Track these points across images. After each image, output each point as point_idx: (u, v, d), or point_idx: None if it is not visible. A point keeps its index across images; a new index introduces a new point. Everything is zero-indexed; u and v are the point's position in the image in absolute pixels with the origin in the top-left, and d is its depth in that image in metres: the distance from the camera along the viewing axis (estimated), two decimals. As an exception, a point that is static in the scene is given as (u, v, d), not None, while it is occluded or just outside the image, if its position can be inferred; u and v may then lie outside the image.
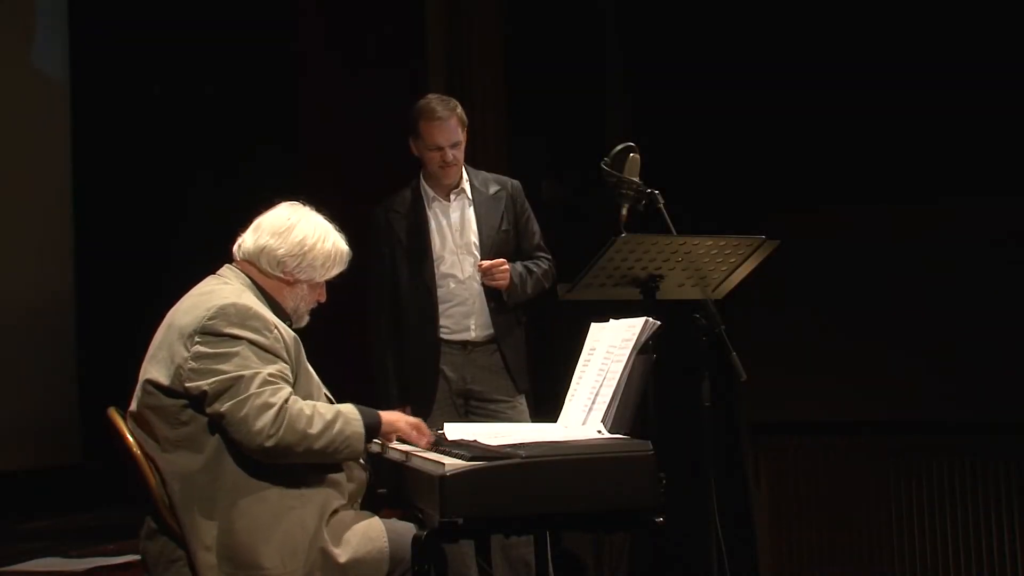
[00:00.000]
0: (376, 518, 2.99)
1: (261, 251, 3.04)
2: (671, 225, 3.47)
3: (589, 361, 3.30)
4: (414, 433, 3.07)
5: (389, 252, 4.36)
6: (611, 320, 3.30)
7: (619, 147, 3.60)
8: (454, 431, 3.25)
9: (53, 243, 6.76)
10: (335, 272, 3.11)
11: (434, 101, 4.35)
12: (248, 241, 3.07)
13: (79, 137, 6.83)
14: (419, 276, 4.31)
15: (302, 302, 3.10)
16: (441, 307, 4.32)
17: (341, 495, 2.95)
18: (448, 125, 4.28)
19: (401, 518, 3.08)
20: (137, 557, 3.11)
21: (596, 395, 3.15)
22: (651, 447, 2.85)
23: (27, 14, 6.77)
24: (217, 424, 2.83)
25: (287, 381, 2.88)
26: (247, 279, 3.04)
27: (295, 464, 2.87)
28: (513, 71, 5.92)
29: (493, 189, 4.43)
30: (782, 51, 5.46)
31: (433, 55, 5.99)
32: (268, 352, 2.87)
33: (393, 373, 4.35)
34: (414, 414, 4.21)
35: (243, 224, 3.12)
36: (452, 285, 4.33)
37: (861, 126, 5.35)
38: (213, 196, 6.43)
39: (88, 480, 6.24)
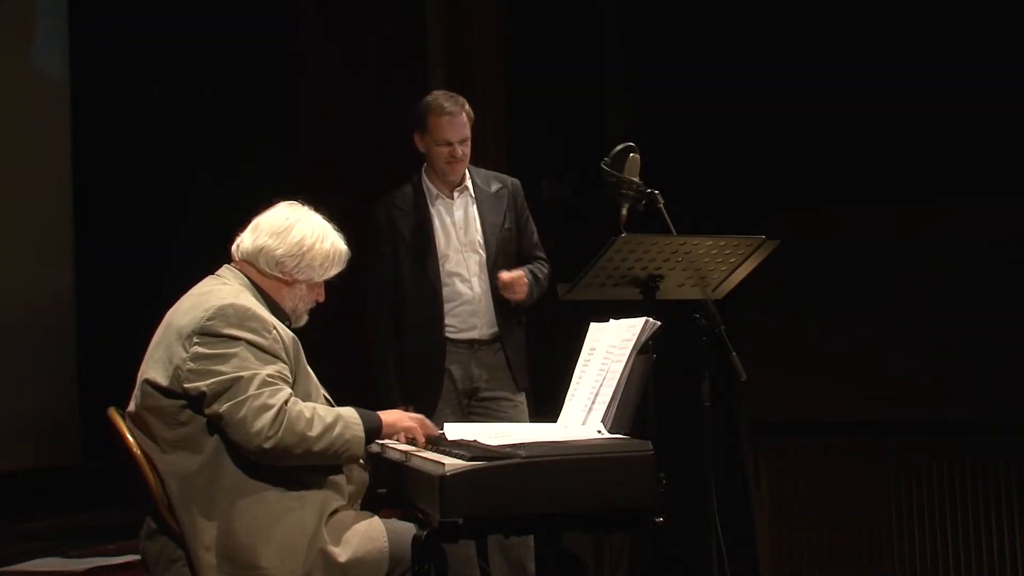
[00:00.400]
0: (376, 518, 2.98)
1: (260, 251, 3.04)
2: (671, 225, 3.47)
3: (589, 361, 3.30)
4: (418, 428, 3.07)
5: (391, 250, 4.35)
6: (611, 320, 3.30)
7: (619, 147, 3.60)
8: (454, 431, 3.25)
9: (53, 243, 6.76)
10: (334, 272, 3.11)
11: (442, 97, 4.35)
12: (247, 241, 3.07)
13: (79, 137, 6.83)
14: (424, 274, 4.30)
15: (301, 302, 3.09)
16: (447, 306, 4.31)
17: (341, 496, 2.95)
18: (458, 120, 4.28)
19: (401, 518, 3.08)
20: (137, 557, 3.11)
21: (596, 395, 3.15)
22: (651, 447, 2.85)
23: (27, 14, 6.77)
24: (216, 425, 2.83)
25: (286, 382, 2.88)
26: (245, 279, 3.04)
27: (294, 465, 2.87)
28: (513, 71, 5.92)
29: (495, 187, 4.43)
30: (782, 51, 5.47)
31: (433, 55, 5.99)
32: (267, 353, 2.87)
33: (394, 372, 4.34)
34: (418, 412, 4.22)
35: (243, 224, 3.12)
36: (458, 284, 4.32)
37: (861, 126, 5.35)
38: (213, 196, 6.43)
39: (88, 480, 6.24)
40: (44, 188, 6.75)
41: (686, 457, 3.35)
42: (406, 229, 4.33)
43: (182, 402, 2.85)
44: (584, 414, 3.17)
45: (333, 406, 3.05)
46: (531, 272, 4.37)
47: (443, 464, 2.75)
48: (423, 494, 2.83)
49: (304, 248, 3.04)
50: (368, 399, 3.21)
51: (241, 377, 2.81)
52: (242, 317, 2.87)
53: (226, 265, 3.09)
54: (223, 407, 2.80)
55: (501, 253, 4.35)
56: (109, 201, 6.78)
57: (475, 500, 2.70)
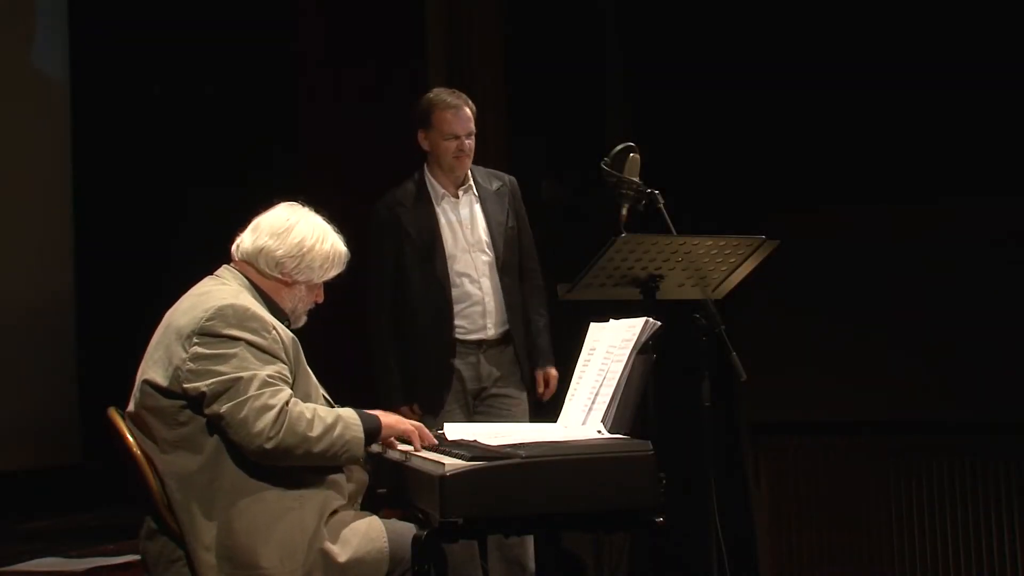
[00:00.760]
0: (376, 518, 2.98)
1: (259, 252, 3.04)
2: (671, 225, 3.47)
3: (589, 361, 3.30)
4: (416, 433, 3.07)
5: (394, 248, 4.31)
6: (611, 320, 3.30)
7: (619, 147, 3.60)
8: (454, 431, 3.25)
9: (53, 243, 6.76)
10: (333, 273, 3.10)
11: (445, 92, 4.35)
12: (247, 242, 3.06)
13: (79, 137, 6.82)
14: (432, 274, 4.27)
15: (300, 303, 3.09)
16: (457, 307, 4.29)
17: (341, 495, 2.95)
18: (463, 113, 4.28)
19: (401, 518, 3.08)
20: (137, 557, 3.11)
21: (596, 395, 3.15)
22: (651, 447, 2.85)
23: (27, 14, 6.77)
24: (216, 425, 2.83)
25: (286, 382, 2.88)
26: (245, 280, 3.04)
27: (294, 465, 2.87)
28: (513, 71, 5.92)
29: (495, 184, 4.42)
30: (782, 51, 5.46)
31: (433, 55, 5.99)
32: (266, 353, 2.87)
33: (396, 373, 4.32)
34: (424, 413, 4.21)
35: (242, 224, 3.11)
36: (467, 284, 4.30)
37: (861, 126, 5.35)
38: (213, 196, 6.42)
39: (88, 480, 6.24)
40: (44, 188, 6.75)
41: (686, 457, 3.35)
42: (411, 227, 4.30)
43: (182, 402, 2.85)
44: (584, 414, 3.17)
45: (333, 406, 3.05)
46: (538, 323, 4.38)
47: (443, 464, 2.75)
48: (423, 494, 2.83)
49: (304, 249, 3.03)
50: (368, 399, 3.20)
51: (241, 377, 2.81)
52: (242, 317, 2.87)
53: (225, 265, 3.09)
54: (223, 408, 2.80)
55: (507, 252, 4.34)
56: (109, 201, 6.77)
57: (475, 500, 2.70)
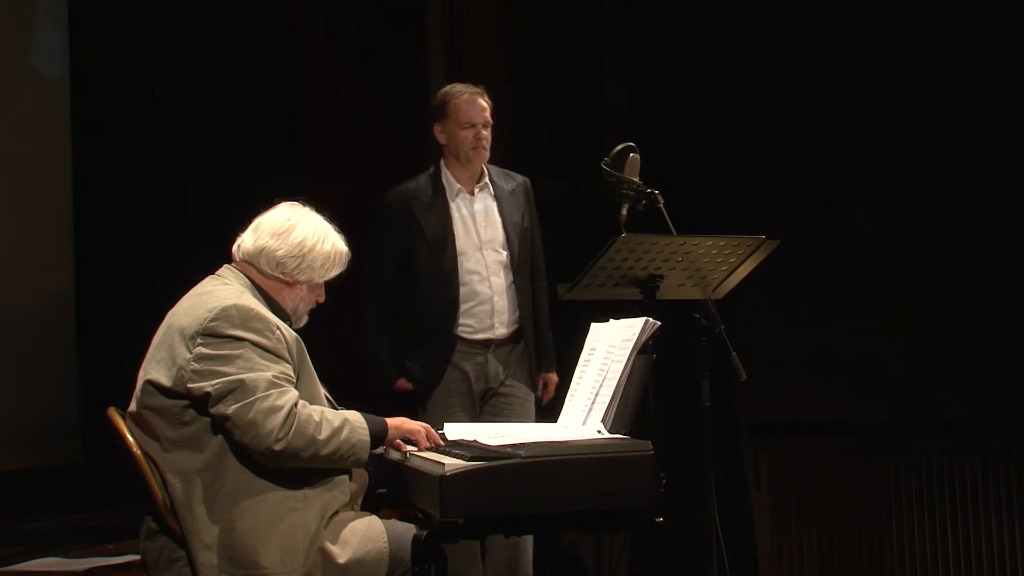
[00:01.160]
0: (376, 518, 2.99)
1: (260, 252, 3.04)
2: (671, 225, 3.47)
3: (589, 361, 3.30)
4: (423, 434, 3.06)
5: (403, 240, 4.28)
6: (611, 320, 3.30)
7: (619, 147, 3.60)
8: (454, 431, 3.25)
9: (53, 243, 6.76)
10: (334, 273, 3.10)
11: (460, 84, 4.36)
12: (248, 242, 3.06)
13: (79, 137, 6.83)
14: (440, 270, 4.24)
15: (301, 303, 3.09)
16: (465, 305, 4.26)
17: (344, 496, 2.95)
18: (480, 103, 4.27)
19: (401, 518, 3.08)
20: (137, 557, 3.11)
21: (596, 395, 3.15)
22: (651, 447, 2.85)
23: (27, 14, 6.77)
24: (221, 426, 2.83)
25: (290, 382, 2.88)
26: (246, 279, 3.04)
27: (298, 467, 2.87)
28: (513, 71, 5.92)
29: (511, 185, 4.40)
30: (781, 51, 5.46)
31: (433, 55, 5.99)
32: (271, 353, 2.87)
33: (388, 352, 4.30)
34: (417, 398, 4.21)
35: (243, 224, 3.11)
36: (476, 282, 4.28)
37: (861, 126, 5.34)
38: (213, 196, 6.42)
39: (88, 480, 6.24)
40: (44, 188, 6.75)
41: (686, 457, 3.35)
42: (424, 221, 4.27)
43: (185, 402, 2.85)
44: (584, 414, 3.18)
45: (335, 406, 3.05)
46: (547, 334, 4.40)
47: (443, 464, 2.75)
48: (423, 494, 2.83)
49: (305, 249, 3.03)
50: (367, 399, 3.20)
51: (247, 378, 2.81)
52: (245, 318, 2.87)
53: (226, 265, 3.09)
54: (230, 408, 2.79)
55: (521, 251, 4.32)
56: (109, 201, 6.77)
57: (475, 500, 2.70)
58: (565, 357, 4.23)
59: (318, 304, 3.14)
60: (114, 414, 2.96)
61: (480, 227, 4.31)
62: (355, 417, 2.93)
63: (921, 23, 5.27)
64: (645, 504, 2.83)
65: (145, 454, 2.89)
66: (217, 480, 2.84)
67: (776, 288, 4.77)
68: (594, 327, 3.39)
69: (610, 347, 3.19)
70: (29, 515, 5.70)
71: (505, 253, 4.32)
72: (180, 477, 2.85)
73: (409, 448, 3.04)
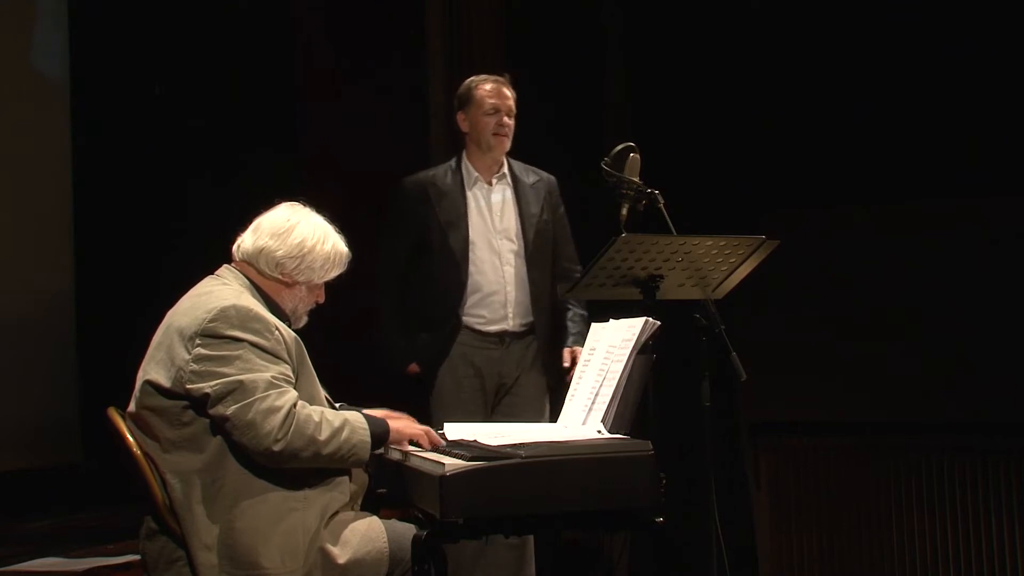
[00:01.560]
0: (376, 518, 2.98)
1: (260, 252, 3.03)
2: (671, 225, 3.47)
3: (589, 361, 3.30)
4: (425, 437, 3.06)
5: (418, 224, 4.27)
6: (611, 320, 3.30)
7: (619, 147, 3.60)
8: (454, 431, 3.25)
9: (53, 243, 6.76)
10: (334, 274, 3.10)
11: (485, 75, 4.36)
12: (247, 242, 3.06)
13: (79, 137, 6.83)
14: (451, 257, 4.23)
15: (300, 303, 3.09)
16: (477, 295, 4.25)
17: (344, 497, 2.95)
18: (504, 91, 4.28)
19: (401, 518, 3.08)
20: (137, 557, 3.11)
21: (596, 395, 3.15)
22: (651, 447, 2.85)
23: (27, 14, 6.77)
24: (220, 426, 2.83)
25: (289, 383, 2.88)
26: (245, 280, 3.03)
27: (298, 467, 2.87)
28: (513, 71, 5.92)
29: (532, 179, 4.38)
30: (781, 51, 5.46)
31: (433, 55, 5.99)
32: (270, 354, 2.87)
33: (400, 344, 4.29)
34: (424, 381, 4.20)
35: (243, 224, 3.11)
36: (488, 271, 4.26)
37: (861, 126, 5.35)
38: (213, 196, 6.43)
39: (88, 480, 6.24)
40: (44, 188, 6.75)
41: (686, 457, 3.35)
42: (439, 207, 4.26)
43: (184, 403, 2.85)
44: (584, 414, 3.18)
45: (334, 406, 3.05)
46: (581, 322, 4.30)
47: (443, 464, 2.75)
48: (423, 494, 2.83)
49: (305, 250, 3.03)
50: (367, 399, 3.20)
51: (246, 379, 2.80)
52: (244, 318, 2.87)
53: (226, 265, 3.08)
54: (230, 409, 2.79)
55: (537, 244, 4.29)
56: (109, 201, 6.78)
57: (475, 500, 2.70)
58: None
59: (318, 304, 3.14)
60: (114, 414, 2.96)
61: (495, 216, 4.29)
62: (355, 417, 2.93)
63: (921, 23, 5.27)
64: (645, 504, 2.83)
65: (145, 454, 2.89)
66: (217, 480, 2.84)
67: (776, 288, 4.77)
68: (594, 327, 3.39)
69: (610, 347, 3.19)
70: (29, 515, 5.70)
71: (519, 243, 4.29)
72: (179, 477, 2.85)
73: (409, 448, 3.04)
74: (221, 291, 2.96)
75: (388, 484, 3.11)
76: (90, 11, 6.83)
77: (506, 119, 4.26)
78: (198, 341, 2.84)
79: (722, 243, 3.44)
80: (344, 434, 2.87)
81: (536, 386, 4.30)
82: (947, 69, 5.20)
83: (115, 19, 6.76)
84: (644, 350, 3.08)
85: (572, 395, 3.32)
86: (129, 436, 2.91)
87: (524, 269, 4.28)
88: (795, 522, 5.21)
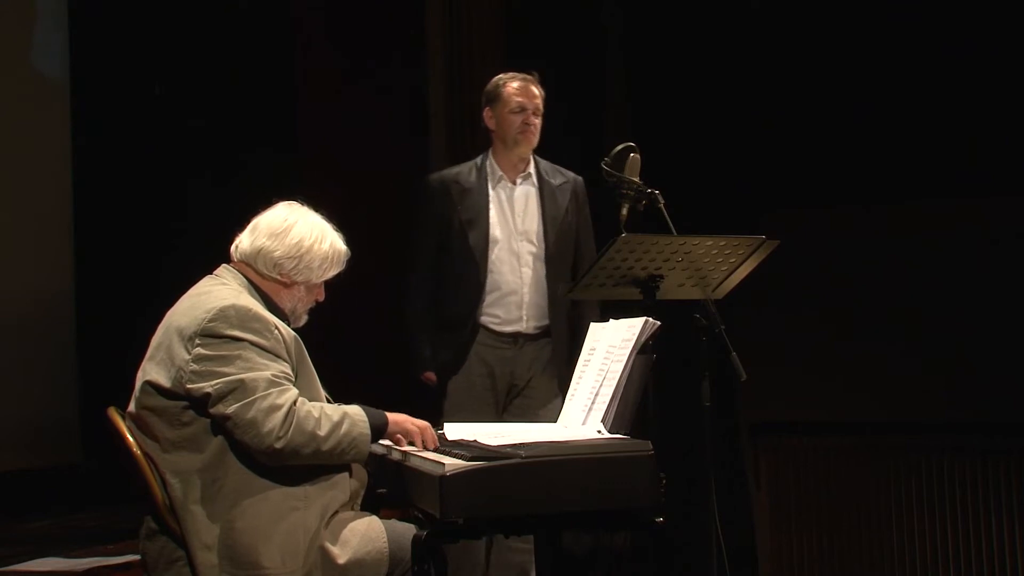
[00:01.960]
0: (376, 518, 2.98)
1: (258, 253, 3.02)
2: (671, 225, 3.47)
3: (589, 361, 3.30)
4: (418, 434, 3.06)
5: (441, 220, 4.25)
6: (611, 320, 3.30)
7: (619, 147, 3.60)
8: (454, 431, 3.25)
9: (53, 243, 6.77)
10: (333, 273, 3.09)
11: (513, 72, 4.31)
12: (245, 242, 3.05)
13: (79, 137, 6.83)
14: (470, 255, 4.21)
15: (300, 303, 3.08)
16: (494, 295, 4.23)
17: (344, 495, 2.95)
18: (532, 89, 4.25)
19: (401, 518, 3.07)
20: (137, 557, 3.11)
21: (596, 395, 3.15)
22: (651, 447, 2.85)
23: (27, 14, 6.78)
24: (221, 425, 2.82)
25: (289, 381, 2.88)
26: (244, 279, 3.03)
27: (299, 465, 2.87)
28: (513, 71, 5.92)
29: (558, 180, 4.34)
30: (781, 51, 5.47)
31: (433, 55, 5.99)
32: (270, 353, 2.87)
33: (428, 341, 4.26)
34: (439, 383, 4.19)
35: (242, 224, 3.11)
36: (506, 271, 4.24)
37: (861, 126, 5.35)
38: (213, 196, 6.43)
39: (88, 480, 6.24)
40: (44, 188, 6.76)
41: (686, 457, 3.35)
42: (461, 204, 4.23)
43: (184, 403, 2.85)
44: (584, 414, 3.18)
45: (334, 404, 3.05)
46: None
47: (443, 464, 2.75)
48: (423, 494, 2.83)
49: (302, 250, 3.02)
50: (366, 399, 3.20)
51: (247, 378, 2.80)
52: (244, 318, 2.87)
53: (225, 265, 3.08)
54: (230, 408, 2.79)
55: (559, 244, 4.26)
56: (109, 201, 6.78)
57: (475, 500, 2.70)
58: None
59: (318, 303, 3.14)
60: (114, 414, 2.96)
61: (517, 216, 4.26)
62: (355, 411, 2.93)
63: (921, 23, 5.27)
64: (645, 504, 2.83)
65: (145, 454, 2.89)
66: (217, 480, 2.84)
67: (776, 288, 4.77)
68: (594, 327, 3.39)
69: (610, 347, 3.19)
70: (29, 515, 5.71)
71: (540, 246, 4.26)
72: (179, 477, 2.84)
73: (409, 448, 3.04)
74: (220, 291, 2.96)
75: (388, 484, 3.11)
76: (90, 11, 6.83)
77: (533, 118, 4.23)
78: (198, 341, 2.84)
79: (722, 243, 3.43)
80: (344, 428, 2.87)
81: (548, 389, 4.26)
82: (947, 69, 5.20)
83: (115, 19, 6.76)
84: (644, 350, 3.08)
85: (572, 395, 3.32)
86: (129, 436, 2.91)
87: (543, 271, 4.25)
88: (795, 522, 5.20)
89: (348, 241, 3.11)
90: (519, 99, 4.22)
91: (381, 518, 3.00)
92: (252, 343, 2.85)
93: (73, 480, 6.37)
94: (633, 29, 5.88)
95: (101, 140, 6.81)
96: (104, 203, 6.79)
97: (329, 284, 3.13)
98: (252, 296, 2.99)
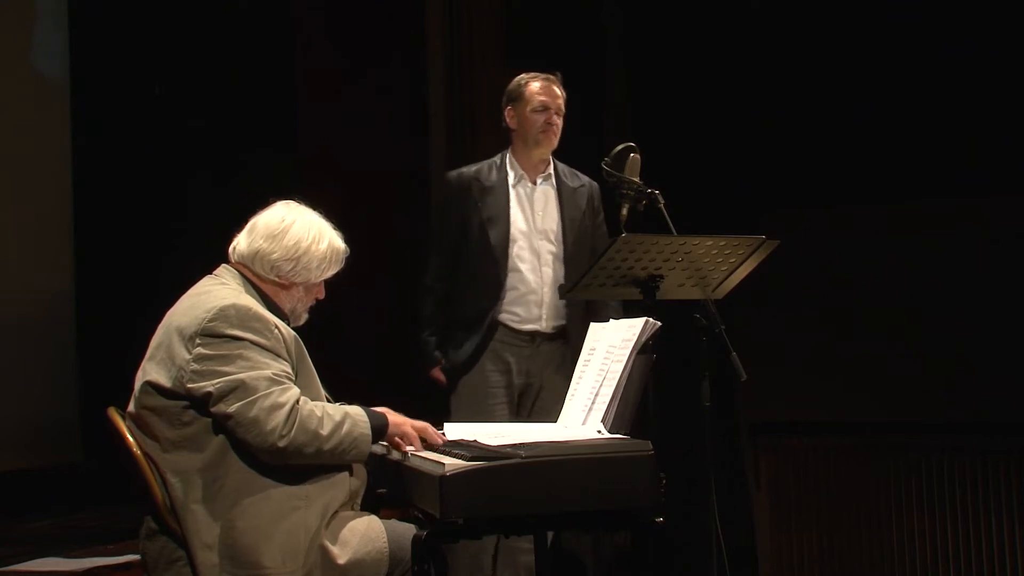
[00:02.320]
0: (375, 518, 2.98)
1: (255, 255, 3.02)
2: (671, 225, 3.47)
3: (589, 361, 3.30)
4: (416, 436, 3.05)
5: (460, 220, 4.25)
6: (611, 320, 3.30)
7: (619, 147, 3.60)
8: (454, 431, 3.25)
9: (53, 243, 6.77)
10: (331, 272, 3.09)
11: (535, 72, 4.31)
12: (242, 244, 3.04)
13: (79, 137, 6.83)
14: (490, 250, 4.20)
15: (299, 303, 3.08)
16: (513, 293, 4.22)
17: (344, 495, 2.95)
18: (554, 89, 4.25)
19: (401, 518, 3.07)
20: (137, 557, 3.11)
21: (596, 395, 3.15)
22: (651, 447, 2.85)
23: (27, 14, 6.78)
24: (223, 424, 2.82)
25: (290, 380, 2.88)
26: (243, 279, 3.03)
27: (300, 464, 2.87)
28: (514, 71, 5.92)
29: (576, 183, 4.35)
30: (781, 51, 5.47)
31: (433, 55, 5.99)
32: (270, 352, 2.87)
33: (433, 347, 4.26)
34: (452, 376, 4.19)
35: (242, 224, 3.10)
36: (525, 271, 4.23)
37: (861, 126, 5.35)
38: (213, 196, 6.43)
39: (88, 480, 6.24)
40: (44, 189, 6.76)
41: (686, 457, 3.35)
42: (482, 202, 4.23)
43: (185, 402, 2.84)
44: (584, 414, 3.17)
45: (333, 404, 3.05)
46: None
47: (443, 464, 2.75)
48: (423, 494, 2.83)
49: (300, 252, 3.01)
50: (366, 399, 3.20)
51: (248, 377, 2.80)
52: (244, 317, 2.87)
53: (224, 265, 3.08)
54: (232, 407, 2.79)
55: (577, 246, 4.25)
56: (109, 201, 6.78)
57: (475, 500, 2.70)
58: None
59: (318, 301, 3.13)
60: (114, 414, 2.96)
61: (537, 215, 4.26)
62: (356, 411, 2.93)
63: (921, 23, 5.27)
64: (645, 504, 2.83)
65: (145, 454, 2.88)
66: (218, 479, 2.84)
67: (776, 288, 4.77)
68: (594, 327, 3.39)
69: (610, 347, 3.19)
70: (29, 515, 5.70)
71: (560, 246, 4.26)
72: (180, 476, 2.84)
73: (409, 448, 3.04)
74: (220, 290, 2.96)
75: (388, 484, 3.11)
76: (90, 11, 6.83)
77: (555, 117, 4.23)
78: (198, 341, 2.84)
79: (722, 243, 3.44)
80: (345, 428, 2.87)
81: (563, 390, 4.26)
82: (947, 69, 5.20)
83: (115, 19, 6.76)
84: (644, 350, 3.08)
85: (572, 395, 3.32)
86: (129, 436, 2.91)
87: (561, 272, 4.26)
88: (795, 522, 5.20)
89: (348, 241, 3.11)
90: (542, 98, 4.22)
91: (381, 518, 3.00)
92: (253, 342, 2.85)
93: (73, 480, 6.37)
94: (633, 29, 5.88)
95: (101, 140, 6.81)
96: (104, 203, 6.78)
97: (329, 283, 3.12)
98: (252, 295, 2.99)
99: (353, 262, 3.14)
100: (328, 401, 3.05)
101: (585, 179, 4.38)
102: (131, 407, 2.93)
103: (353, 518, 2.95)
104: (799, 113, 5.39)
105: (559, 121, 4.25)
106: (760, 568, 5.18)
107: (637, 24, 5.85)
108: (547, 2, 5.97)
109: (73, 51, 6.87)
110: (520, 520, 2.87)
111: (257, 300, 2.98)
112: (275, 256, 3.01)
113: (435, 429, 3.11)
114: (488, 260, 4.21)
